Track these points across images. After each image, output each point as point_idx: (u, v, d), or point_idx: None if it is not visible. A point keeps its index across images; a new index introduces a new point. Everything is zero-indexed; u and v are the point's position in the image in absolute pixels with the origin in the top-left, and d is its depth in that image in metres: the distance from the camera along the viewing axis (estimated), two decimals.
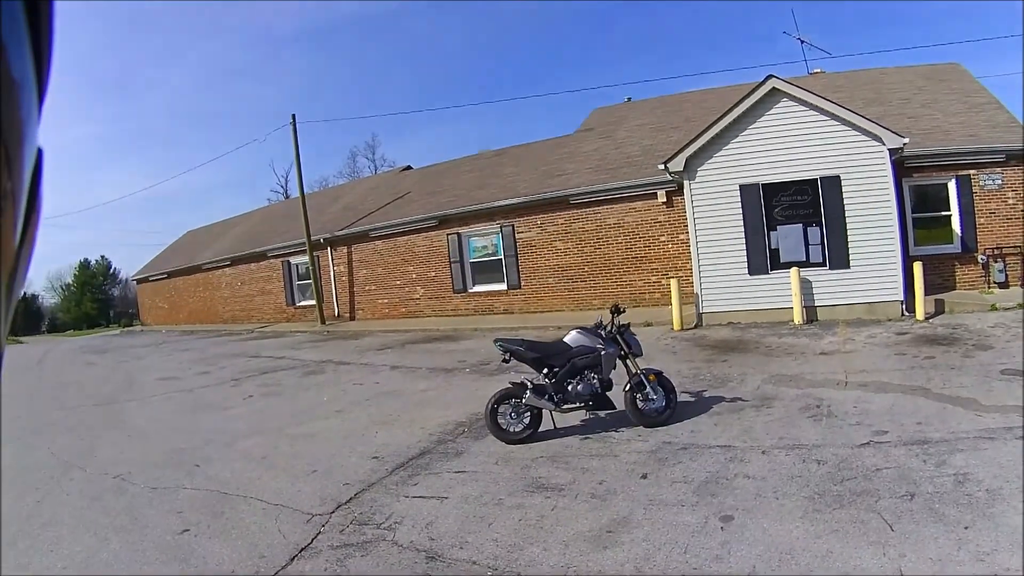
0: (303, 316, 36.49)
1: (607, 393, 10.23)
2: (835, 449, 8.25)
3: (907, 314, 17.81)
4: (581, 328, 10.62)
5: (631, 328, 10.82)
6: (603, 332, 10.48)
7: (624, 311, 10.94)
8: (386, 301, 32.23)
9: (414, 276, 30.89)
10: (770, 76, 18.87)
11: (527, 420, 10.05)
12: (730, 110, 19.21)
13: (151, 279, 51.30)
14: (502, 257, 27.84)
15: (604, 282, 25.39)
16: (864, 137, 18.03)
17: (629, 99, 36.46)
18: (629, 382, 10.25)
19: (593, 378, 10.15)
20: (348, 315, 34.02)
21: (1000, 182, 20.52)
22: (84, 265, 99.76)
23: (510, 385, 10.32)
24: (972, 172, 20.69)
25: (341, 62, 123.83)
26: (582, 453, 9.22)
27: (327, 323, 33.26)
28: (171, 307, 49.04)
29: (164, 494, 9.05)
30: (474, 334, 23.37)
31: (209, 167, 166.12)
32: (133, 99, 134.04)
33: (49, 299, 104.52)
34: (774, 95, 18.85)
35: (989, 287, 20.32)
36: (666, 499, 7.26)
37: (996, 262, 20.39)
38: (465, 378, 15.68)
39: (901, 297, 18.08)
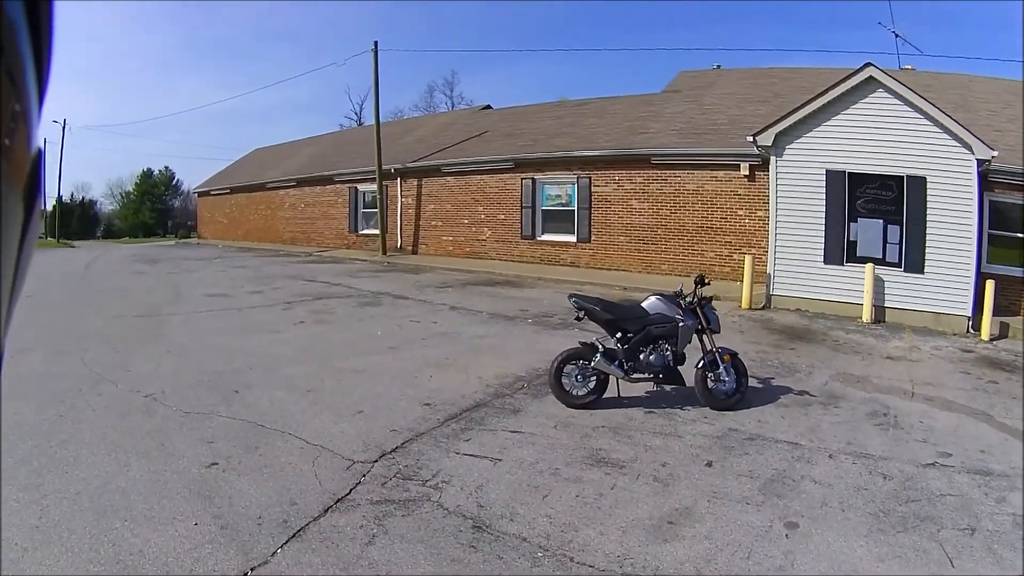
0: (365, 244, 36.50)
1: (679, 368, 9.94)
2: (901, 465, 8.07)
3: (972, 332, 17.40)
4: (660, 295, 10.26)
5: (713, 302, 10.57)
6: (683, 302, 10.16)
7: (709, 283, 10.67)
8: (451, 239, 32.23)
9: (483, 216, 30.85)
10: (868, 64, 18.40)
11: (592, 385, 9.76)
12: (825, 91, 18.80)
13: (213, 193, 51.63)
14: (575, 208, 27.68)
15: (675, 248, 25.25)
16: (954, 143, 17.55)
17: (719, 66, 35.91)
18: (703, 359, 9.98)
19: (667, 349, 9.88)
20: (411, 249, 34.03)
21: None
22: (147, 174, 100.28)
23: (579, 345, 10.00)
24: None
25: None
26: (646, 429, 9.05)
27: (388, 254, 33.25)
28: (230, 223, 49.20)
29: (197, 420, 8.84)
30: (537, 283, 23.44)
31: (284, 88, 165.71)
32: (214, 10, 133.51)
33: (107, 205, 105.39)
34: (870, 83, 18.38)
35: None
36: (731, 493, 7.13)
37: None
38: (526, 328, 15.60)
39: (969, 313, 17.64)
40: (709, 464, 7.89)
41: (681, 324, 9.90)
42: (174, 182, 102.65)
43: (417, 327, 15.47)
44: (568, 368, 9.79)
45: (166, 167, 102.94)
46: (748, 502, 6.93)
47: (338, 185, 38.17)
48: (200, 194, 54.66)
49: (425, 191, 33.40)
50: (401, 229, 34.54)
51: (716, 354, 9.95)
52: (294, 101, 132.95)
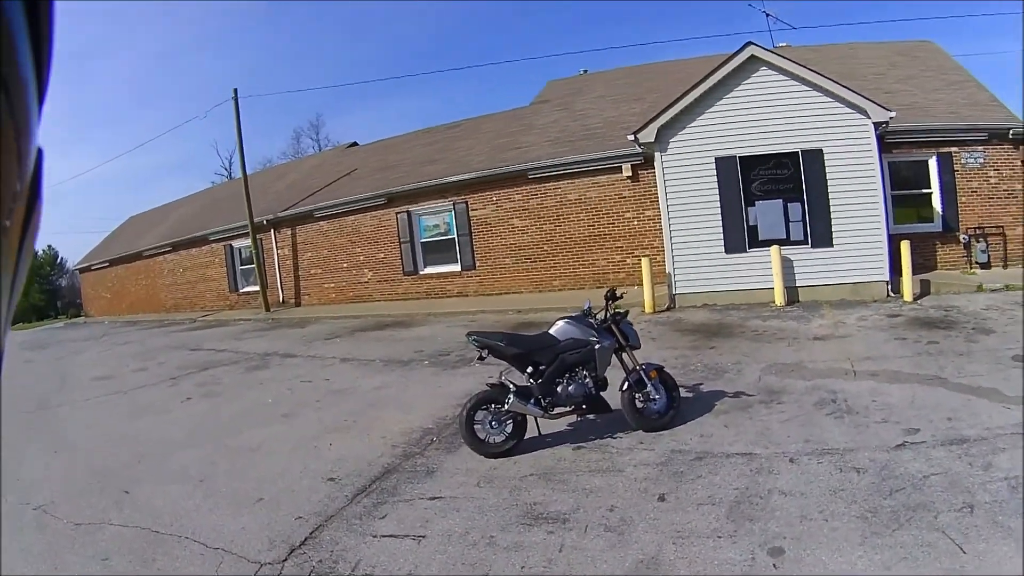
0: (247, 303, 34.96)
1: (601, 394, 8.82)
2: (870, 453, 7.32)
3: (893, 295, 17.18)
4: (569, 317, 9.08)
5: (628, 316, 9.40)
6: (595, 321, 9.02)
7: (621, 296, 9.45)
8: (333, 285, 30.87)
9: (362, 258, 29.54)
10: (749, 43, 17.98)
11: (509, 429, 8.55)
12: (705, 78, 18.19)
13: (93, 267, 49.35)
14: (455, 236, 26.55)
15: (565, 261, 24.28)
16: (848, 109, 17.28)
17: (585, 71, 35.41)
18: (627, 379, 8.85)
19: (585, 376, 8.73)
20: (294, 301, 32.62)
21: (983, 161, 20.20)
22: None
23: (487, 387, 8.83)
24: (954, 150, 20.30)
25: (286, 39, 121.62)
26: (580, 468, 7.85)
27: (272, 310, 31.74)
28: (113, 296, 47.18)
29: (89, 532, 7.50)
30: (428, 319, 22.20)
31: (157, 150, 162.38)
32: (82, 81, 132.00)
33: None
34: (752, 63, 17.93)
35: (971, 267, 20.03)
36: (697, 528, 6.02)
37: (978, 242, 20.05)
38: (424, 371, 14.25)
39: (887, 277, 17.34)
40: (662, 498, 6.82)
41: (598, 346, 8.80)
42: (58, 260, 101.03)
43: (309, 387, 14.04)
44: (479, 415, 8.58)
45: (49, 246, 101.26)
46: (719, 534, 5.92)
47: (213, 244, 36.63)
48: (81, 271, 52.69)
49: (300, 239, 32.06)
50: (281, 282, 33.15)
51: (641, 372, 8.91)
52: (168, 162, 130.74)
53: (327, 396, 13.00)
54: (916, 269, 17.68)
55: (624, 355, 9.05)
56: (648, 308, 18.34)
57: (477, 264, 26.06)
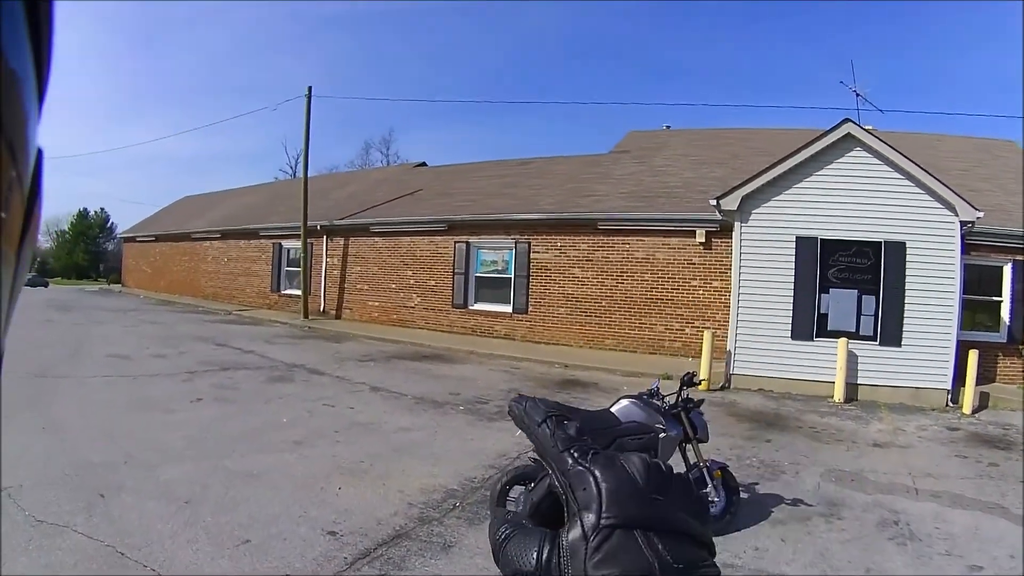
0: (286, 305, 34.71)
1: None
2: None
3: (951, 405, 16.43)
4: (635, 397, 8.05)
5: (700, 407, 8.52)
6: (663, 405, 8.18)
7: (699, 383, 8.62)
8: (377, 304, 30.39)
9: (412, 282, 29.05)
10: (847, 120, 17.30)
11: None
12: (798, 151, 17.53)
13: (138, 239, 49.95)
14: (512, 276, 25.92)
15: (621, 320, 23.54)
16: (936, 204, 16.64)
17: (668, 127, 35.10)
18: (688, 475, 7.99)
19: None
20: (335, 313, 32.20)
21: None
22: (82, 215, 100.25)
23: (530, 460, 8.02)
24: None
25: (368, 51, 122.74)
26: None
27: (310, 318, 31.31)
28: (154, 272, 47.47)
29: (48, 536, 6.67)
30: (470, 357, 21.57)
31: (227, 138, 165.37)
32: (165, 57, 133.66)
33: (43, 243, 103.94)
34: (847, 141, 17.23)
35: None
36: None
37: None
38: (458, 418, 13.36)
39: (949, 386, 16.54)
40: None
41: (663, 435, 7.78)
42: (108, 225, 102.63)
43: (331, 414, 13.17)
44: (515, 491, 7.60)
45: (101, 208, 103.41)
46: None
47: (263, 240, 36.60)
48: (126, 240, 53.45)
49: (352, 251, 31.68)
50: (325, 291, 32.76)
51: (705, 470, 8.13)
52: (237, 152, 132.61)
53: (348, 428, 12.14)
54: (977, 380, 16.92)
55: (689, 448, 8.27)
56: (703, 385, 17.28)
57: (530, 309, 25.42)
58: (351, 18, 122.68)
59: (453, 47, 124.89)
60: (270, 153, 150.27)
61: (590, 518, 0.95)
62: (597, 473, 1.02)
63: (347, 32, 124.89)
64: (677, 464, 8.03)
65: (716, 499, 7.98)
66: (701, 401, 8.53)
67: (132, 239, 50.87)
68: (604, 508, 0.96)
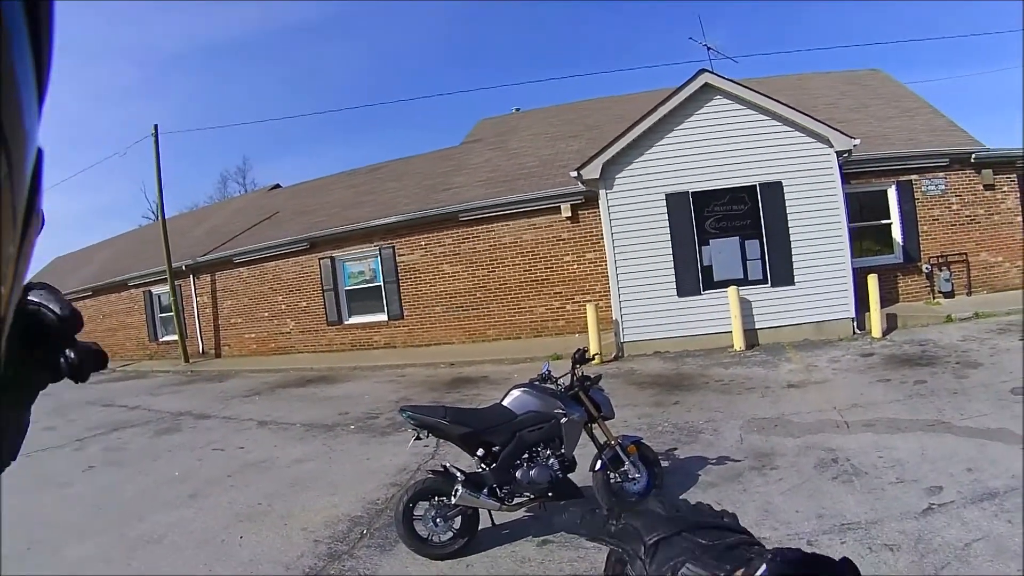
0: (166, 352, 33.16)
1: (570, 475, 7.35)
2: (897, 524, 6.46)
3: (859, 332, 16.55)
4: (527, 385, 7.61)
5: (599, 383, 7.89)
6: (558, 388, 7.57)
7: (592, 359, 7.96)
8: (254, 335, 29.24)
9: (283, 307, 27.99)
10: (702, 70, 17.28)
11: (458, 524, 7.03)
12: (655, 108, 17.27)
13: None
14: (382, 284, 25.12)
15: (500, 310, 23.04)
16: (809, 139, 16.69)
17: (518, 110, 34.84)
18: (600, 457, 7.49)
19: (550, 456, 7.23)
20: (214, 352, 30.94)
21: (944, 187, 19.91)
22: None
23: (429, 474, 7.44)
24: (914, 178, 20.02)
25: (218, 83, 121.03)
26: (549, 571, 6.43)
27: (192, 361, 29.99)
28: None
29: None
30: (354, 374, 20.78)
31: (93, 191, 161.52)
32: None
33: None
34: (706, 91, 17.14)
35: (935, 298, 19.82)
36: None
37: (941, 271, 19.86)
38: (351, 439, 12.72)
39: (853, 314, 16.70)
40: None
41: (564, 420, 7.27)
42: None
43: (222, 458, 12.45)
44: (420, 507, 7.07)
45: None
46: None
47: (132, 290, 34.99)
48: None
49: (220, 286, 30.47)
50: (201, 331, 31.43)
51: (617, 447, 7.50)
52: (95, 205, 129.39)
53: (241, 471, 11.39)
54: (881, 303, 17.21)
55: (596, 427, 7.64)
56: (596, 360, 16.79)
57: (405, 313, 24.71)
58: (193, 56, 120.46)
59: (304, 70, 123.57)
60: (133, 200, 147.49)
61: None
62: None
63: (192, 70, 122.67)
64: (587, 447, 7.60)
65: (637, 475, 7.52)
66: (599, 377, 7.97)
67: None
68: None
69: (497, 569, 6.69)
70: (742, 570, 1.06)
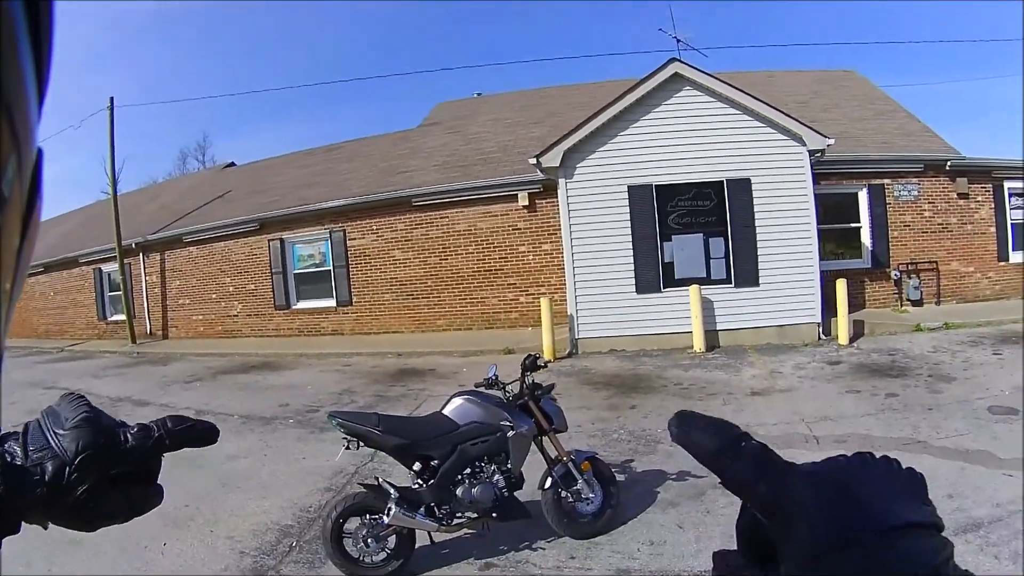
0: (115, 333, 32.09)
1: (516, 493, 6.66)
2: None
3: (824, 337, 16.36)
4: (470, 393, 6.88)
5: (551, 392, 7.18)
6: (506, 396, 6.87)
7: (545, 365, 7.22)
8: (201, 318, 28.47)
9: (231, 289, 27.21)
10: (672, 59, 16.83)
11: (392, 545, 6.34)
12: (621, 96, 16.83)
13: None
14: (331, 268, 24.45)
15: (451, 299, 22.43)
16: (781, 136, 16.43)
17: (479, 94, 34.18)
18: (550, 473, 6.79)
19: (495, 472, 6.54)
20: (161, 333, 30.11)
21: (917, 193, 19.74)
22: None
23: (360, 487, 6.70)
24: (887, 182, 19.82)
25: (179, 56, 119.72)
26: None
27: (138, 342, 29.03)
28: None
29: None
30: (299, 361, 20.16)
31: (55, 164, 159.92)
32: None
33: None
34: (675, 81, 16.77)
35: (902, 305, 19.59)
36: None
37: (910, 278, 19.51)
38: (288, 434, 12.06)
39: (819, 319, 16.55)
40: None
41: (511, 433, 6.57)
42: None
43: None
44: (351, 525, 6.37)
45: None
46: None
47: (83, 268, 33.89)
48: None
49: (168, 265, 29.65)
50: (149, 312, 30.47)
51: (571, 464, 6.83)
52: (66, 177, 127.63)
53: (170, 468, 10.24)
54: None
55: (547, 440, 6.95)
56: (548, 354, 16.27)
57: (354, 300, 24.08)
58: (157, 24, 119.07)
59: (263, 44, 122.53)
60: (95, 174, 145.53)
61: None
62: None
63: (156, 40, 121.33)
64: (536, 462, 6.88)
65: (591, 495, 6.88)
66: (551, 386, 7.23)
67: None
68: None
69: None
70: None
